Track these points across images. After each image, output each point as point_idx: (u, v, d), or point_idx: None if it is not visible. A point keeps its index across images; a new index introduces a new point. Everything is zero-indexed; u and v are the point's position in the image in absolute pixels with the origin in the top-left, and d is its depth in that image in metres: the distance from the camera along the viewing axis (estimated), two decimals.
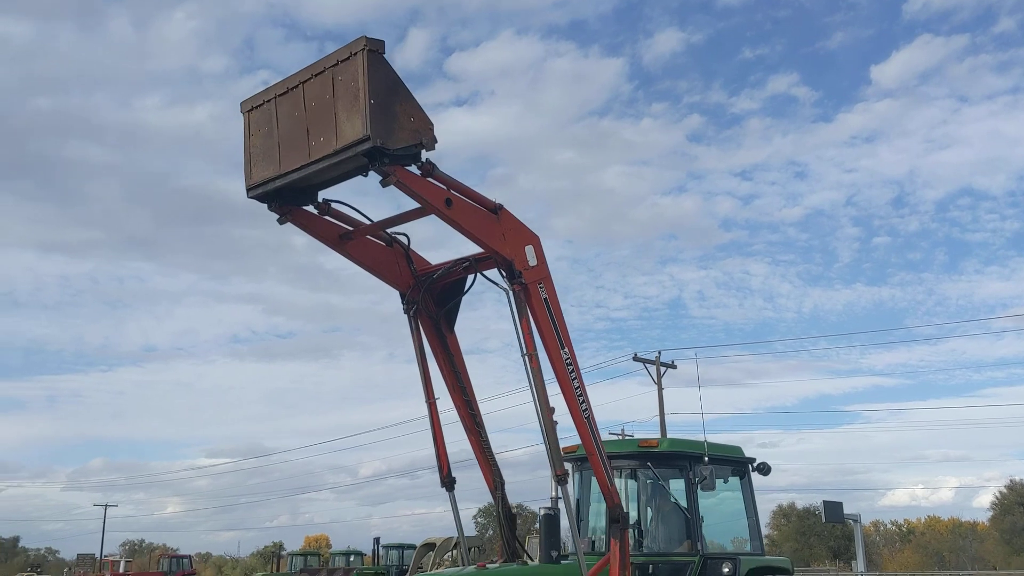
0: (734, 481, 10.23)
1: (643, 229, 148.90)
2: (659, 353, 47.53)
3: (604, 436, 8.91)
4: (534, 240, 7.92)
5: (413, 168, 6.92)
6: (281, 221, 7.48)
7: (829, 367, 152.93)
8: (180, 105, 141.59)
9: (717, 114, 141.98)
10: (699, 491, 9.45)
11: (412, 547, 40.93)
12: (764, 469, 10.35)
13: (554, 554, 9.05)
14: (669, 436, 9.87)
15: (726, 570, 9.16)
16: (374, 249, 8.14)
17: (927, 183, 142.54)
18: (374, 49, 6.55)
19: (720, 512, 10.08)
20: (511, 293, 7.80)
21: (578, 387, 7.99)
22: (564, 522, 8.90)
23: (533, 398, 7.75)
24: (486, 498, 8.79)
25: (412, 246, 8.24)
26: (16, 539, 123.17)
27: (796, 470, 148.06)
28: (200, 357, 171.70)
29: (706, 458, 9.43)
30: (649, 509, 9.89)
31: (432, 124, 6.83)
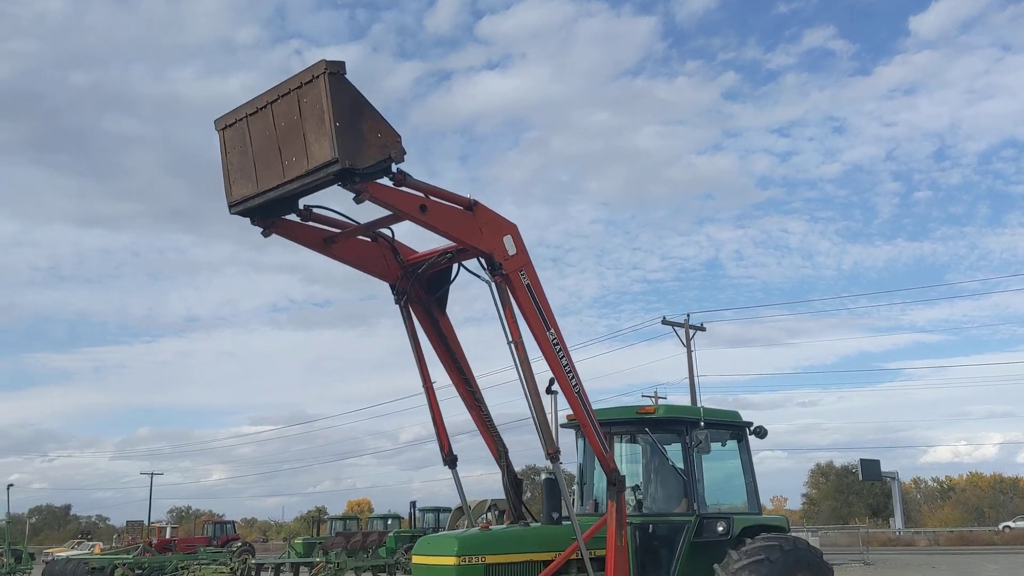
0: (732, 444, 10.66)
1: (679, 189, 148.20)
2: (688, 316, 47.84)
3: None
4: (511, 229, 8.20)
5: (386, 180, 7.13)
6: (265, 234, 7.75)
7: (869, 324, 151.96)
8: (214, 76, 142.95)
9: (752, 71, 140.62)
10: (695, 454, 9.88)
11: (448, 510, 41.90)
12: (760, 432, 10.77)
13: (555, 516, 9.60)
14: (666, 403, 10.30)
15: (720, 529, 9.62)
16: (359, 247, 8.46)
17: (969, 135, 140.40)
18: (335, 71, 6.70)
19: (718, 475, 10.52)
20: (493, 285, 8.14)
21: (566, 364, 8.42)
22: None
23: (521, 382, 8.14)
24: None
25: (398, 236, 8.54)
26: (68, 507, 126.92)
27: (836, 428, 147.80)
28: (241, 326, 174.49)
29: (702, 423, 9.85)
30: (648, 472, 10.36)
31: (399, 136, 7.02)
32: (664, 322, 47.87)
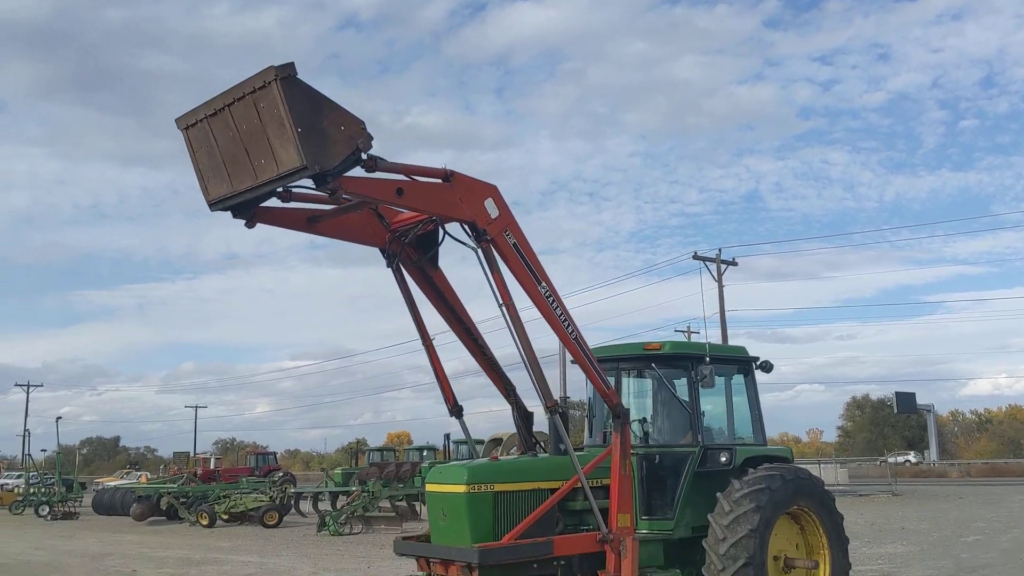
0: (738, 379, 10.98)
1: (718, 120, 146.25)
2: (719, 251, 47.86)
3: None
4: (491, 191, 8.27)
5: (358, 169, 7.17)
6: (249, 226, 7.84)
7: (911, 257, 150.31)
8: (247, 12, 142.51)
9: None
10: (700, 389, 10.24)
11: (481, 442, 42.79)
12: (766, 367, 11.08)
13: (562, 447, 10.04)
14: (672, 339, 10.63)
15: (723, 459, 10.01)
16: (344, 219, 8.50)
17: (1017, 61, 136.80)
18: (285, 75, 6.60)
19: (724, 408, 10.86)
20: (479, 251, 8.31)
21: (561, 314, 8.69)
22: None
23: (515, 341, 8.47)
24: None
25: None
26: (117, 439, 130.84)
27: (875, 362, 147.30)
28: (279, 263, 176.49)
29: (707, 358, 10.18)
30: (655, 406, 10.75)
31: (363, 123, 7.02)
32: (695, 257, 47.96)
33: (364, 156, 7.09)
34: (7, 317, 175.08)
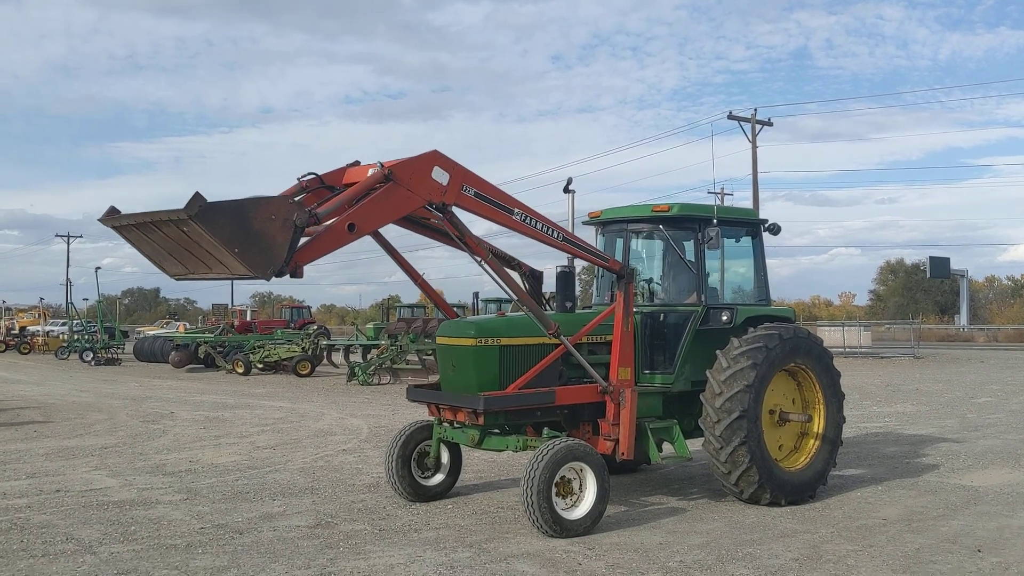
0: (746, 241, 11.17)
1: None
2: (755, 110, 47.05)
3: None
4: (432, 160, 8.20)
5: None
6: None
7: (962, 119, 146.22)
8: None
9: None
10: (706, 250, 10.46)
11: (509, 302, 43.63)
12: (774, 229, 11.23)
13: (568, 305, 10.41)
14: (681, 202, 10.74)
15: (724, 318, 10.33)
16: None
17: None
18: (196, 212, 6.54)
19: (731, 270, 11.09)
20: (445, 221, 8.48)
21: (543, 227, 9.01)
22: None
23: (502, 287, 8.94)
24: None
25: None
26: (157, 290, 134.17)
27: (914, 226, 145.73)
28: (315, 118, 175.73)
29: (714, 220, 10.35)
30: (662, 267, 11.01)
31: (289, 197, 7.10)
32: (730, 117, 47.26)
33: (304, 222, 7.08)
34: (48, 168, 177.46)
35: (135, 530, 8.80)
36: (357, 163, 8.88)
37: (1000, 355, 45.15)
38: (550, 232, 9.12)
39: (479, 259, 8.84)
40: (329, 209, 7.57)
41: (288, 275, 7.17)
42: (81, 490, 10.79)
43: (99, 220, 7.55)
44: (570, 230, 10.63)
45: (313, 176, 8.44)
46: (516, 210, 8.84)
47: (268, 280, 7.13)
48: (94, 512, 9.60)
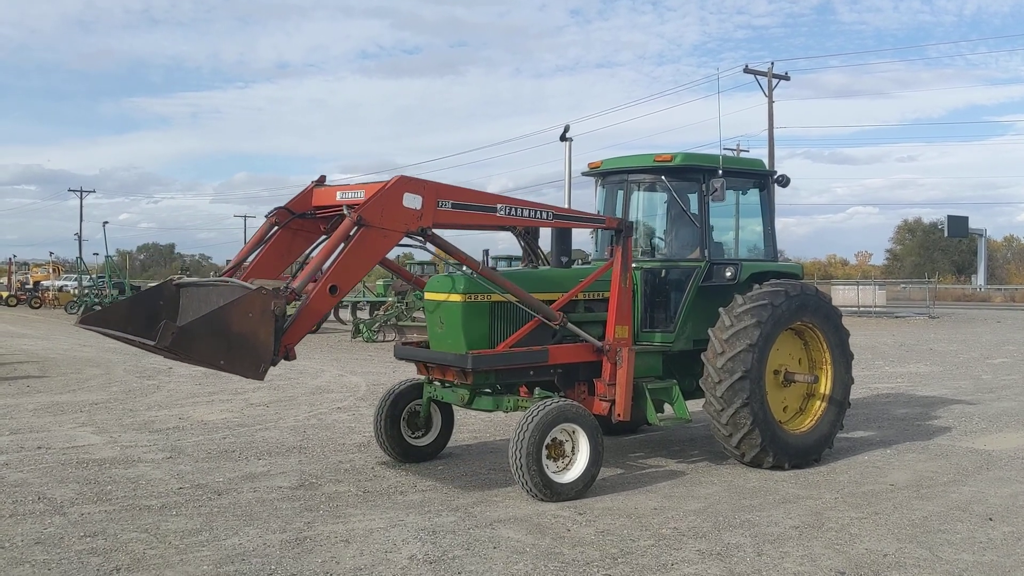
0: (753, 193, 10.64)
1: None
2: (771, 64, 46.13)
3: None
4: (401, 186, 7.78)
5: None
6: None
7: (986, 75, 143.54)
8: None
9: None
10: (711, 203, 9.95)
11: (519, 259, 43.16)
12: (783, 181, 10.71)
13: (564, 260, 9.97)
14: (685, 151, 10.20)
15: (728, 274, 9.85)
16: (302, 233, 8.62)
17: None
18: (168, 344, 6.40)
19: (741, 223, 10.58)
20: (429, 246, 8.23)
21: (529, 212, 8.67)
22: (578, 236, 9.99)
23: (501, 293, 8.68)
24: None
25: None
26: (172, 246, 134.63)
27: (934, 185, 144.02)
28: (331, 73, 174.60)
29: (719, 171, 9.84)
30: (665, 220, 10.51)
31: (263, 288, 6.85)
32: (746, 70, 46.30)
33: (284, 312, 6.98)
34: (65, 123, 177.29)
35: (111, 490, 8.49)
36: (323, 179, 8.69)
37: (1017, 315, 44.48)
38: (538, 214, 8.80)
39: (474, 274, 8.60)
40: (305, 279, 7.32)
41: (282, 359, 7.19)
42: (63, 447, 10.50)
43: (75, 324, 8.14)
44: (567, 181, 10.18)
45: (281, 210, 8.37)
46: (498, 205, 8.48)
47: (261, 380, 7.07)
48: (72, 470, 9.30)
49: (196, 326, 6.58)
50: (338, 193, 8.31)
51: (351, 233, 7.51)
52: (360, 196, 7.96)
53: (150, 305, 8.09)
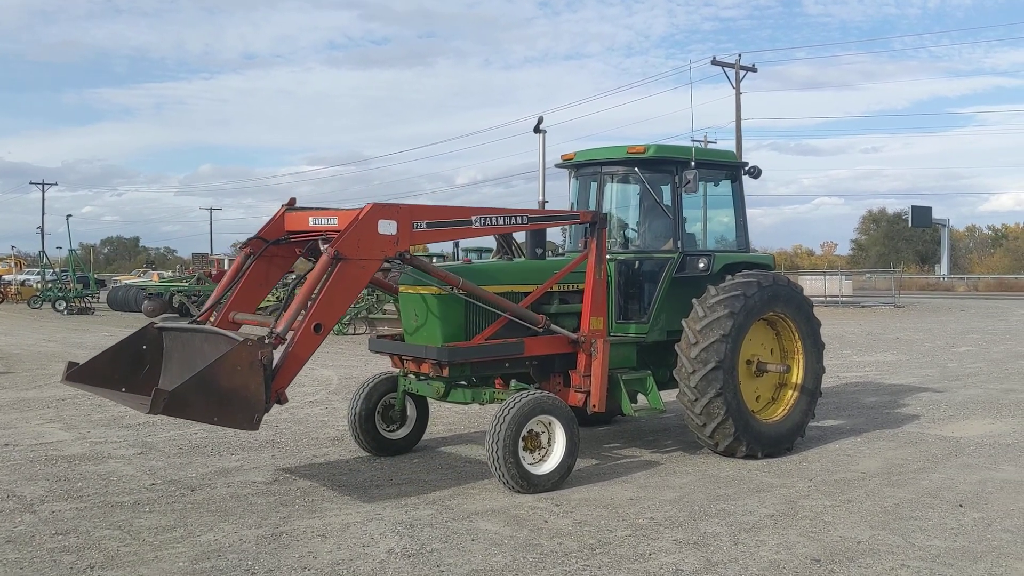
0: (725, 185, 10.70)
1: None
2: (739, 56, 46.41)
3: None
4: (375, 214, 7.71)
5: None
6: None
7: (949, 67, 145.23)
8: None
9: None
10: (683, 194, 9.98)
11: (489, 250, 43.18)
12: (755, 172, 10.78)
13: (539, 252, 9.97)
14: (657, 143, 10.25)
15: (701, 265, 9.90)
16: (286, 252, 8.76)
17: None
18: (160, 410, 6.41)
19: (709, 215, 10.66)
20: (408, 268, 8.34)
21: (504, 219, 8.71)
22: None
23: (482, 303, 8.69)
24: None
25: None
26: (136, 239, 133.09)
27: (897, 176, 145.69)
28: (298, 64, 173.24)
29: (692, 163, 9.88)
30: (637, 212, 10.54)
31: (248, 340, 6.80)
32: (714, 62, 46.59)
33: (269, 359, 6.95)
34: (27, 115, 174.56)
35: (81, 487, 8.39)
36: (293, 201, 8.66)
37: (980, 304, 45.16)
38: (513, 220, 8.84)
39: (455, 288, 8.54)
40: (289, 321, 7.28)
41: (277, 404, 7.24)
42: (31, 444, 10.36)
43: (61, 382, 7.91)
44: (541, 173, 10.16)
45: (254, 239, 8.41)
46: (473, 218, 8.44)
47: (256, 429, 7.14)
48: (41, 467, 9.17)
49: (186, 390, 6.56)
50: (311, 219, 8.29)
51: (332, 266, 7.46)
52: (333, 222, 7.96)
53: (134, 352, 8.10)
